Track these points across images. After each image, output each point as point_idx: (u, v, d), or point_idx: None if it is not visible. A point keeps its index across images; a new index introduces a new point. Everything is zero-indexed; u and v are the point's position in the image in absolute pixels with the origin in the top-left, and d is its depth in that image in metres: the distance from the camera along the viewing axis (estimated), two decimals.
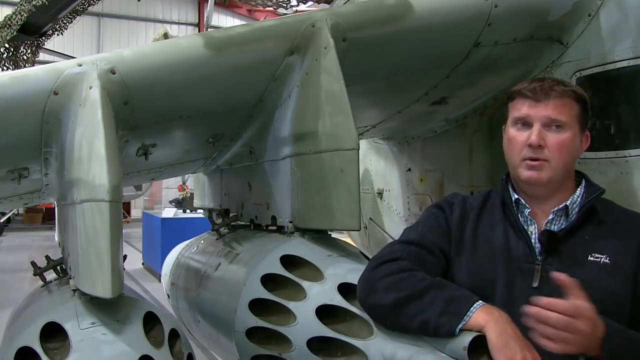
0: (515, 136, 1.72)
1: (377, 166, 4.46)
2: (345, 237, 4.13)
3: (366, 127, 3.67)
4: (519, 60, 2.72)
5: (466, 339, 1.48)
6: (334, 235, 2.60)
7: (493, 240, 1.73)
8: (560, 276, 1.46)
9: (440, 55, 2.59)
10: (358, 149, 2.17)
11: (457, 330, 1.49)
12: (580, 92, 1.74)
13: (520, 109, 1.71)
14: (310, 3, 15.79)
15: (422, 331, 1.57)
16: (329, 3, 7.15)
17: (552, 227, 1.70)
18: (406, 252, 1.74)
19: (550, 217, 1.70)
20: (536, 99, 1.68)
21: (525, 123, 1.70)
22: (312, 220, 2.40)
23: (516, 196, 1.75)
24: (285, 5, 16.00)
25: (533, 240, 1.69)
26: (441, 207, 1.87)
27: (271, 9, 18.65)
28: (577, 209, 1.70)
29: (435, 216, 1.85)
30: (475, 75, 2.73)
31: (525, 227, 1.71)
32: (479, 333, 1.48)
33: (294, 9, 16.06)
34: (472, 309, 1.51)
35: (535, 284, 1.62)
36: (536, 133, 1.65)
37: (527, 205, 1.73)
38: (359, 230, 2.38)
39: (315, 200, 2.34)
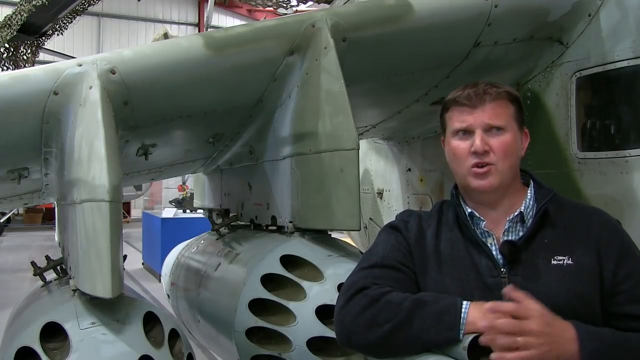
0: (458, 146, 1.69)
1: (377, 166, 4.46)
2: (345, 237, 4.13)
3: (366, 127, 3.67)
4: (519, 60, 2.73)
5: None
6: (334, 235, 2.60)
7: (456, 258, 1.69)
8: (509, 292, 1.46)
9: (440, 55, 2.59)
10: (358, 149, 2.17)
11: (461, 337, 1.49)
12: (513, 91, 1.72)
13: (459, 118, 1.69)
14: (310, 3, 15.78)
15: (425, 351, 1.56)
16: (329, 3, 7.14)
17: (510, 235, 1.67)
18: (371, 277, 1.68)
19: (507, 226, 1.67)
20: (472, 105, 1.66)
21: (466, 132, 1.67)
22: (312, 220, 2.40)
23: (469, 210, 1.72)
24: (285, 5, 16.00)
25: (494, 253, 1.65)
26: (396, 226, 1.81)
27: (271, 9, 18.66)
28: (531, 214, 1.67)
29: (394, 236, 1.79)
30: (475, 75, 2.71)
31: (484, 240, 1.67)
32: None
33: (294, 9, 16.06)
34: (463, 315, 1.50)
35: (505, 299, 1.58)
36: (479, 139, 1.64)
37: (482, 218, 1.69)
38: (359, 230, 2.38)
39: (315, 200, 2.34)
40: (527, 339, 1.40)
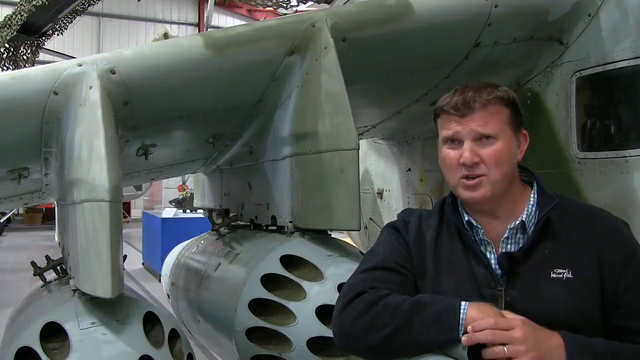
0: (447, 155, 1.62)
1: (377, 166, 4.46)
2: (345, 237, 4.13)
3: (366, 127, 3.67)
4: (519, 60, 2.72)
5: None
6: (334, 235, 2.60)
7: (455, 265, 1.65)
8: None
9: (440, 55, 2.59)
10: (358, 149, 2.17)
11: (461, 337, 1.47)
12: (506, 94, 1.62)
13: (448, 126, 1.61)
14: (310, 3, 15.80)
15: (424, 352, 1.54)
16: (329, 3, 7.15)
17: (509, 245, 1.61)
18: (371, 280, 1.66)
19: (506, 234, 1.61)
20: (461, 114, 1.58)
21: (455, 140, 1.60)
22: (312, 220, 2.40)
23: (467, 217, 1.66)
24: (285, 5, 16.03)
25: (493, 263, 1.60)
26: (396, 227, 1.78)
27: (271, 9, 18.68)
28: (533, 221, 1.60)
29: (395, 237, 1.75)
30: (475, 75, 2.71)
31: (483, 249, 1.62)
32: None
33: (294, 9, 16.07)
34: (462, 316, 1.48)
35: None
36: (468, 150, 1.56)
37: (480, 226, 1.64)
38: (359, 230, 2.38)
39: (315, 200, 2.34)
40: (514, 347, 1.38)
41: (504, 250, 1.60)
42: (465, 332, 1.47)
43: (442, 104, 1.65)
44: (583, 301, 1.51)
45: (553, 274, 1.54)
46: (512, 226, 1.61)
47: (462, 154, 1.57)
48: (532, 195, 1.65)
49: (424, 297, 1.60)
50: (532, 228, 1.60)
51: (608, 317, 1.53)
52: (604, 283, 1.52)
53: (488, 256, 1.62)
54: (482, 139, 1.57)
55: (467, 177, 1.58)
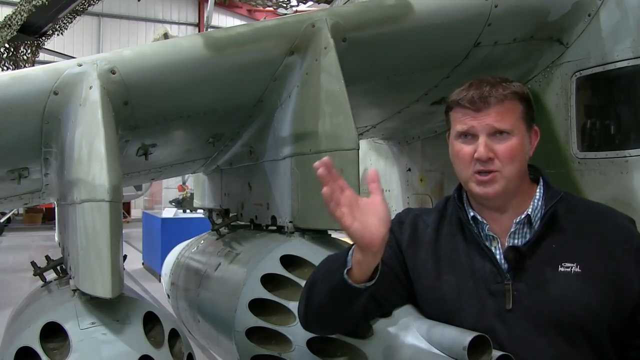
0: (461, 149, 1.60)
1: (377, 166, 4.46)
2: (345, 237, 4.12)
3: (366, 127, 3.67)
4: (519, 60, 2.72)
5: (466, 338, 1.48)
6: (334, 235, 2.60)
7: (456, 264, 1.64)
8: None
9: (440, 55, 2.59)
10: (358, 149, 2.16)
11: (345, 277, 1.53)
12: (521, 90, 1.62)
13: (462, 121, 1.60)
14: (310, 3, 15.80)
15: (331, 303, 1.62)
16: (329, 3, 7.15)
17: (516, 239, 1.60)
18: None
19: (513, 228, 1.60)
20: (476, 109, 1.57)
21: (469, 135, 1.59)
22: (312, 220, 2.40)
23: (472, 213, 1.65)
24: (285, 5, 16.03)
25: (498, 258, 1.59)
26: (390, 227, 1.76)
27: (271, 9, 18.68)
28: (539, 216, 1.60)
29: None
30: (475, 76, 2.71)
31: (488, 244, 1.61)
32: (479, 333, 1.48)
33: (294, 9, 16.08)
34: (348, 258, 1.56)
35: (508, 306, 1.54)
36: (483, 145, 1.55)
37: (485, 222, 1.63)
38: None
39: (315, 200, 2.33)
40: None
41: (510, 245, 1.60)
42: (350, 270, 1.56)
43: (457, 98, 1.63)
44: (591, 297, 1.50)
45: (561, 267, 1.54)
46: (518, 220, 1.61)
47: (477, 148, 1.56)
48: (538, 190, 1.65)
49: (338, 255, 1.71)
50: (538, 222, 1.59)
51: (629, 316, 1.53)
52: (622, 281, 1.51)
53: (494, 251, 1.61)
54: (496, 134, 1.56)
55: (480, 172, 1.57)
